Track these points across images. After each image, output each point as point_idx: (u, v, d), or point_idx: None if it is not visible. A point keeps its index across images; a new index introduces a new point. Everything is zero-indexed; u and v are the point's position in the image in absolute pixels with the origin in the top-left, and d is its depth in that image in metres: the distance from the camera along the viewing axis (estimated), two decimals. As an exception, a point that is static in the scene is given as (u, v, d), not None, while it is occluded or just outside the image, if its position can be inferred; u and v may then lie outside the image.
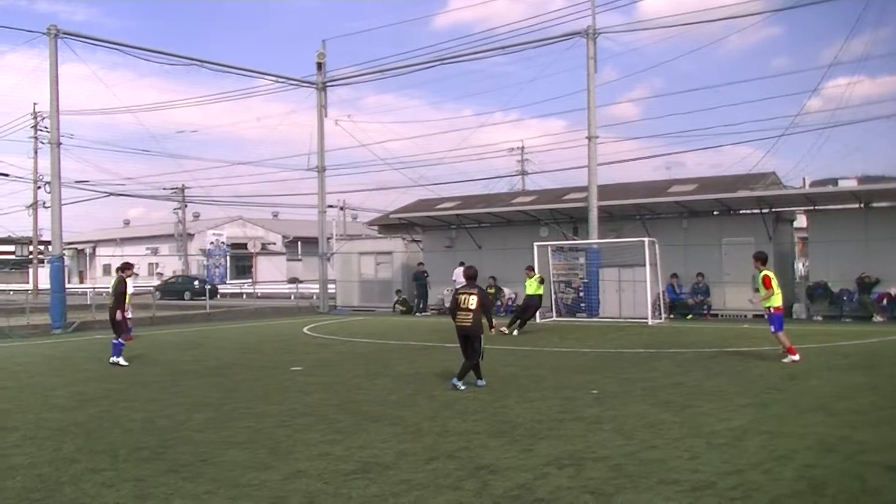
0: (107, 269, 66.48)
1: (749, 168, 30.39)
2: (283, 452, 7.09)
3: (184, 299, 37.06)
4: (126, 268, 15.26)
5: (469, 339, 10.72)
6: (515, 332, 18.56)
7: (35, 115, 47.54)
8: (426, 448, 7.15)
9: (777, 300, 13.02)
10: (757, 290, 13.76)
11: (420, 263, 29.80)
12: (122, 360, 14.32)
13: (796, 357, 12.59)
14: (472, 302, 10.64)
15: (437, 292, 29.33)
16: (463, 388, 10.46)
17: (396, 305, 29.69)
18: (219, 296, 43.74)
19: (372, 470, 6.41)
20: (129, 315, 19.44)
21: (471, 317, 10.61)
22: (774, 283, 13.06)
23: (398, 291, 30.16)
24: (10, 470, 6.71)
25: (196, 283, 47.23)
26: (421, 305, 29.03)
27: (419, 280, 29.16)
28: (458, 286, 27.07)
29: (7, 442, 7.84)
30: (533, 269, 20.23)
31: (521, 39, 27.58)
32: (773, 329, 13.01)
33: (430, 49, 35.70)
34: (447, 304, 29.01)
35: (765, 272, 13.15)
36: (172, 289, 45.51)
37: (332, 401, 9.96)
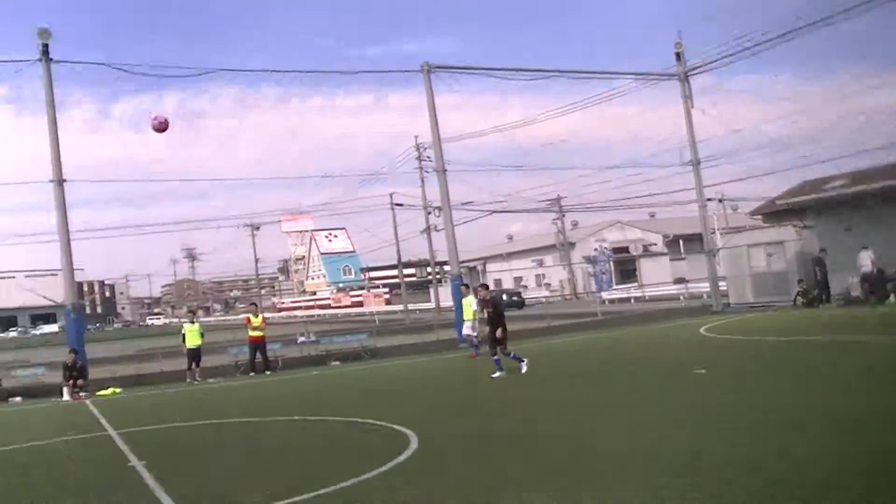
0: (497, 284, 71.70)
1: None
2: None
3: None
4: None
5: None
6: None
7: (417, 146, 51.93)
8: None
9: None
10: None
11: (822, 250, 27.51)
12: (496, 373, 14.90)
13: None
14: None
15: (841, 280, 26.96)
16: None
17: (798, 298, 27.80)
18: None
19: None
20: (466, 331, 20.43)
21: None
22: None
23: (800, 282, 28.10)
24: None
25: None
26: (823, 297, 26.87)
27: (820, 266, 27.01)
28: (864, 270, 24.98)
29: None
30: None
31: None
32: None
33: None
34: (853, 293, 26.66)
35: None
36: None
37: (750, 401, 9.74)
